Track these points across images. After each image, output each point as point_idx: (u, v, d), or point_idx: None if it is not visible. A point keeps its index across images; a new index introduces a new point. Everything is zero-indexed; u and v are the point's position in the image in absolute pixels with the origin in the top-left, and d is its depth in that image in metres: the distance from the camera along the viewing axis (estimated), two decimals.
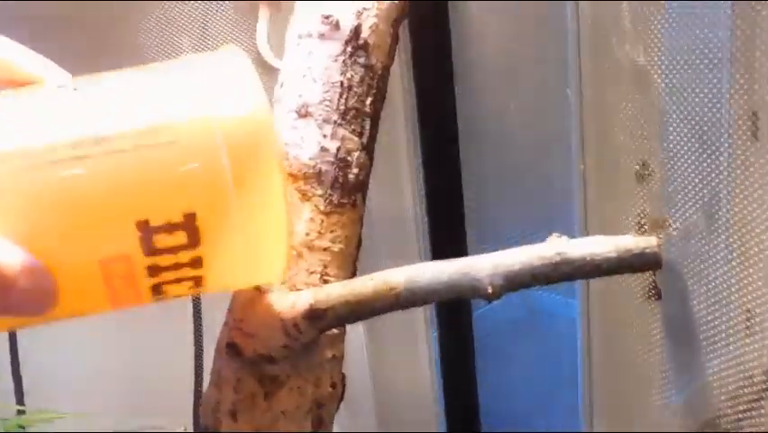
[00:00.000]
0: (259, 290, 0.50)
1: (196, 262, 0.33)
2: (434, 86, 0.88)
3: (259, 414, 0.48)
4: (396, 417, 1.16)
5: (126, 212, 0.31)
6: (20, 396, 0.69)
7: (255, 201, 0.33)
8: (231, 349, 0.49)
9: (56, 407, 0.65)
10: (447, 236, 0.99)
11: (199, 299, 0.76)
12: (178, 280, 0.34)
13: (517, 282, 0.43)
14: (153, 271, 0.32)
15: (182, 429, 0.68)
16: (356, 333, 1.07)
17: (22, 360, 0.70)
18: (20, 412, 0.66)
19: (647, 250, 0.42)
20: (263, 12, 0.67)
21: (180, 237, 0.32)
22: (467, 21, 0.96)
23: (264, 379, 0.49)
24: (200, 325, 0.76)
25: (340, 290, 0.46)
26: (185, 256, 0.33)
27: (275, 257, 0.37)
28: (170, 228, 0.32)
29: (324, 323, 0.46)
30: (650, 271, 0.43)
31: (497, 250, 0.45)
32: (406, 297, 0.45)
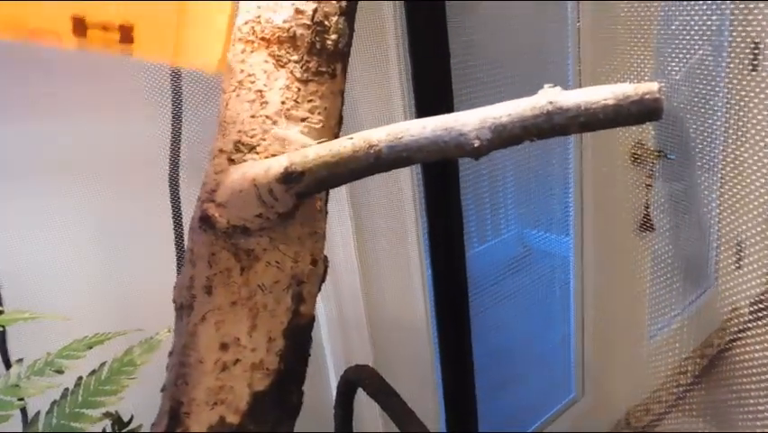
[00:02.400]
0: (232, 161, 0.47)
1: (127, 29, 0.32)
2: None
3: (235, 289, 0.46)
4: (392, 351, 1.15)
5: None
6: None
7: None
8: (204, 222, 0.46)
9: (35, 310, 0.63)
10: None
11: (177, 183, 0.73)
12: (105, 29, 0.32)
13: (506, 136, 0.40)
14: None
15: (167, 331, 0.65)
16: (351, 272, 1.05)
17: None
18: None
19: (647, 96, 0.39)
20: None
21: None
22: None
23: (239, 252, 0.46)
24: (179, 205, 0.73)
25: (317, 151, 0.43)
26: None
27: (212, 39, 0.35)
28: None
29: (301, 186, 0.43)
30: (656, 120, 0.39)
31: None
32: (387, 155, 0.42)
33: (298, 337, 0.47)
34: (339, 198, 1.02)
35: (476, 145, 0.40)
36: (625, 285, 1.67)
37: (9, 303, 0.67)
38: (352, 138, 0.42)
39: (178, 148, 0.73)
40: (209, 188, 0.47)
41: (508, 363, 1.64)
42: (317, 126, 0.49)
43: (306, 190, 0.44)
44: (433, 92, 0.90)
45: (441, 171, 1.05)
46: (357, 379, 0.70)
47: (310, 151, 0.43)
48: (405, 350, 1.21)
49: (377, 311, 1.13)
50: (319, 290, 0.50)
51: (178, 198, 0.73)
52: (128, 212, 0.78)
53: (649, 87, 0.39)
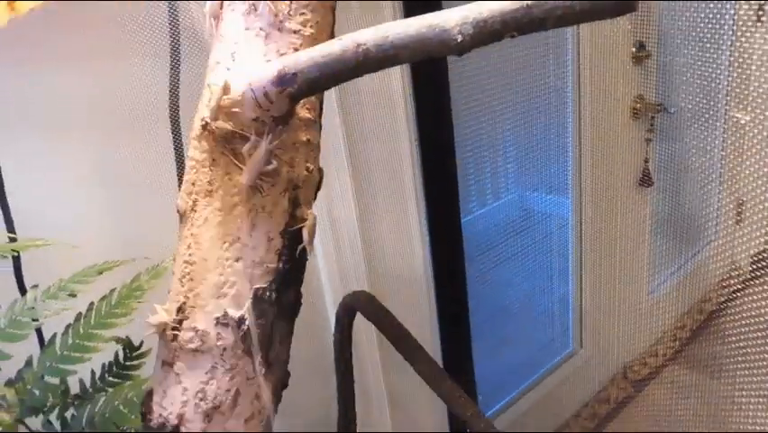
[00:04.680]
0: (228, 71, 0.49)
1: None
2: None
3: (234, 191, 0.48)
4: (389, 293, 1.17)
5: None
6: (9, 224, 0.70)
7: None
8: (204, 129, 0.49)
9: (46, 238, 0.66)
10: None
11: (177, 114, 0.76)
12: None
13: (488, 30, 0.42)
14: None
15: (172, 259, 0.68)
16: (349, 221, 1.07)
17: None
18: (11, 240, 0.67)
19: None
20: None
21: None
22: None
23: (238, 157, 0.48)
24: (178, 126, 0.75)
25: (308, 54, 0.45)
26: None
27: None
28: None
29: (295, 88, 0.45)
30: (631, 12, 0.41)
31: None
32: (374, 53, 0.44)
33: (295, 239, 0.50)
34: (337, 152, 1.04)
35: (459, 41, 0.42)
36: (624, 241, 1.69)
37: (22, 235, 0.70)
38: (341, 39, 0.44)
39: (177, 79, 0.76)
40: (207, 96, 0.49)
41: (508, 320, 1.67)
42: (309, 38, 0.51)
43: (299, 92, 0.46)
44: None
45: (436, 125, 1.07)
46: (355, 303, 0.73)
47: (302, 54, 0.45)
48: (403, 301, 1.23)
49: (376, 260, 1.16)
50: (315, 197, 0.53)
51: (179, 127, 0.75)
52: (132, 149, 0.80)
53: None
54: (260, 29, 0.49)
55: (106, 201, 0.81)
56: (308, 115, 0.51)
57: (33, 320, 0.63)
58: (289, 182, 0.50)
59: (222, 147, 0.48)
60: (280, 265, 0.49)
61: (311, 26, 0.51)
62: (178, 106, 0.75)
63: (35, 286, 0.66)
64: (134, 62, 0.82)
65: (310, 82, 0.45)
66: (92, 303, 0.67)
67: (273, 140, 0.48)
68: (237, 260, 0.48)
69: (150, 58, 0.82)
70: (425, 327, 1.26)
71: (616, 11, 0.42)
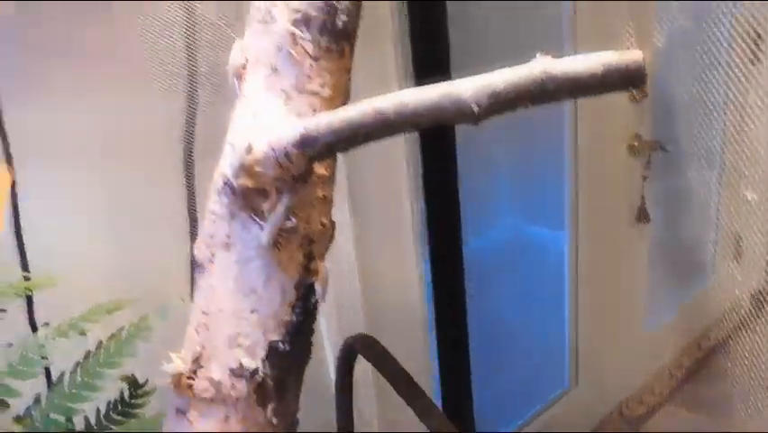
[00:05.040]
0: (249, 128, 0.51)
1: None
2: None
3: (252, 245, 0.50)
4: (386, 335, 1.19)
5: None
6: (24, 261, 0.71)
7: None
8: (224, 184, 0.50)
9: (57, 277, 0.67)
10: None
11: (191, 155, 0.77)
12: None
13: (502, 101, 0.44)
14: None
15: (180, 300, 0.69)
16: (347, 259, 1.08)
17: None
18: (25, 279, 0.68)
19: (631, 65, 0.43)
20: None
21: None
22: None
23: (257, 213, 0.50)
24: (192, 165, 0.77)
25: (329, 118, 0.47)
26: None
27: None
28: None
29: (315, 150, 0.47)
30: (641, 86, 0.43)
31: None
32: (393, 120, 0.46)
33: (308, 292, 0.51)
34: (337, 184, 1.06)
35: (475, 111, 0.44)
36: (620, 276, 1.70)
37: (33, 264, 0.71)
38: (360, 104, 0.46)
39: (193, 123, 0.78)
40: (229, 153, 0.51)
41: (501, 353, 1.67)
42: (327, 99, 0.53)
43: (318, 154, 0.48)
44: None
45: (438, 155, 1.09)
46: (357, 346, 0.74)
47: (323, 118, 0.47)
48: (400, 340, 1.24)
49: (372, 296, 1.17)
50: (327, 250, 0.54)
51: (192, 172, 0.77)
52: (144, 189, 0.82)
53: (633, 56, 0.43)
54: (282, 90, 0.52)
55: (117, 240, 0.83)
56: (325, 172, 0.53)
57: (43, 358, 0.64)
58: (305, 238, 0.51)
59: (242, 202, 0.50)
60: (294, 317, 0.50)
61: (329, 88, 0.53)
62: (192, 150, 0.77)
63: (46, 324, 0.67)
64: (151, 95, 0.84)
65: (330, 146, 0.47)
66: (100, 342, 0.68)
67: (292, 198, 0.49)
68: (252, 312, 0.49)
69: (166, 93, 0.84)
70: (420, 358, 1.26)
71: (626, 85, 0.44)
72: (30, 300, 0.71)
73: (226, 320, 0.49)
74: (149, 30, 0.84)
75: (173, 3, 0.85)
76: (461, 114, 0.45)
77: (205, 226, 0.52)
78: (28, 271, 0.70)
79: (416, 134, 1.13)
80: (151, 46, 0.84)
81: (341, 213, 1.07)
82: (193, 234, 0.79)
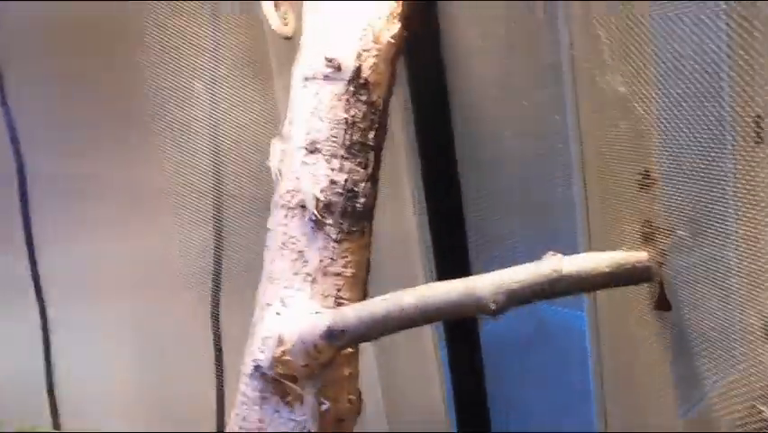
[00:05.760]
0: (278, 315, 0.54)
1: None
2: (431, 114, 0.92)
3: (283, 428, 0.52)
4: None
5: None
6: (55, 417, 0.73)
7: None
8: (256, 370, 0.53)
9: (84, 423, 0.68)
10: (451, 257, 1.02)
11: (218, 317, 0.80)
12: None
13: (518, 298, 0.47)
14: None
15: None
16: (366, 354, 1.09)
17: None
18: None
19: (638, 264, 0.46)
20: None
21: None
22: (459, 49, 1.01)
23: (287, 396, 0.52)
24: (219, 337, 0.79)
25: (355, 312, 0.50)
26: None
27: None
28: None
29: (342, 342, 0.50)
30: (649, 283, 0.47)
31: (501, 266, 0.48)
32: (416, 316, 0.49)
33: None
34: None
35: (493, 308, 0.47)
36: (646, 367, 1.66)
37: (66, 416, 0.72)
38: (385, 300, 0.50)
39: (220, 273, 0.81)
40: (260, 339, 0.53)
41: None
42: (350, 277, 0.56)
43: (345, 345, 0.50)
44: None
45: (449, 230, 1.07)
46: None
47: (349, 311, 0.50)
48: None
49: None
50: (355, 423, 0.56)
51: (219, 321, 0.80)
52: (171, 326, 0.84)
53: (638, 256, 0.47)
54: (308, 274, 0.55)
55: (144, 373, 0.84)
56: (350, 350, 0.55)
57: None
58: (335, 417, 0.53)
59: (273, 387, 0.52)
60: None
61: (352, 267, 0.56)
62: (219, 301, 0.80)
63: None
64: (177, 225, 0.87)
65: (356, 338, 0.50)
66: None
67: (319, 383, 0.52)
68: None
69: (193, 222, 0.87)
70: None
71: (633, 282, 0.47)
72: None
73: None
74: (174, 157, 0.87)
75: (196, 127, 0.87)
76: (480, 310, 0.48)
77: (236, 408, 0.54)
78: (57, 423, 0.72)
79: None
80: (177, 174, 0.87)
81: None
82: (219, 375, 0.81)
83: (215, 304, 0.80)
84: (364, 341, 0.51)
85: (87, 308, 0.83)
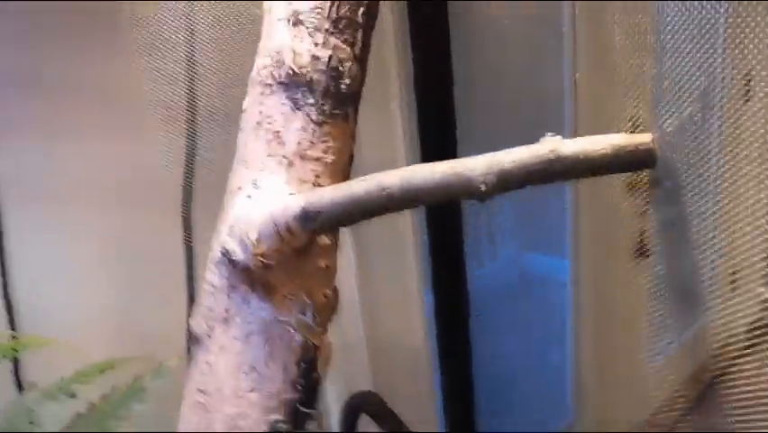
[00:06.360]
0: (249, 198, 0.49)
1: None
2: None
3: (251, 319, 0.48)
4: (391, 379, 1.16)
5: None
6: (11, 323, 0.69)
7: None
8: (224, 256, 0.49)
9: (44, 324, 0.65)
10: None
11: (189, 212, 0.76)
12: None
13: (511, 180, 0.43)
14: None
15: (178, 359, 0.68)
16: (359, 353, 1.07)
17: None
18: (13, 338, 0.66)
19: (641, 146, 0.42)
20: None
21: None
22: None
23: (257, 285, 0.48)
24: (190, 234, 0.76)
25: (332, 192, 0.46)
26: None
27: None
28: None
29: (317, 224, 0.46)
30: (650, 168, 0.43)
31: None
32: (398, 197, 0.44)
33: (310, 366, 0.50)
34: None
35: (483, 189, 0.43)
36: (622, 311, 1.69)
37: (25, 327, 0.69)
38: (365, 180, 0.45)
39: (192, 176, 0.76)
40: (229, 223, 0.49)
41: (502, 389, 1.65)
42: (330, 164, 0.52)
43: (320, 229, 0.46)
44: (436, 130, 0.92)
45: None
46: (360, 404, 0.72)
47: (325, 192, 0.46)
48: (404, 380, 1.22)
49: (376, 339, 1.15)
50: (330, 321, 0.53)
51: (190, 226, 0.75)
52: (139, 239, 0.80)
53: (643, 138, 0.42)
54: (284, 156, 0.50)
55: (110, 292, 0.81)
56: (328, 242, 0.51)
57: (31, 423, 0.62)
58: (307, 310, 0.50)
59: (241, 275, 0.49)
60: (296, 395, 0.49)
61: (332, 153, 0.52)
62: (190, 208, 0.75)
63: (33, 385, 0.65)
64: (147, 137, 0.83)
65: (332, 220, 0.46)
66: (92, 404, 0.66)
67: (293, 271, 0.48)
68: (252, 391, 0.48)
69: (165, 133, 0.83)
70: (425, 402, 1.24)
71: (635, 167, 0.43)
72: (16, 361, 0.69)
73: (225, 400, 0.47)
74: (149, 67, 0.83)
75: (174, 33, 0.83)
76: (468, 193, 0.43)
77: (202, 298, 0.51)
78: (14, 329, 0.68)
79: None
80: (151, 83, 0.82)
81: (344, 255, 1.05)
82: (190, 291, 0.77)
83: (186, 211, 0.76)
84: (342, 225, 0.47)
85: (51, 212, 0.79)
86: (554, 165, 0.43)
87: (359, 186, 0.45)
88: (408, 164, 1.04)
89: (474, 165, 0.44)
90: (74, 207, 0.80)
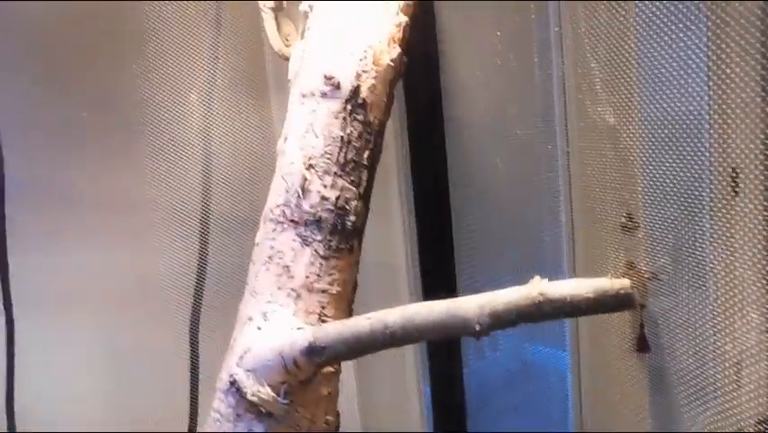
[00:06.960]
0: (259, 329, 0.53)
1: None
2: (426, 139, 0.94)
3: None
4: None
5: None
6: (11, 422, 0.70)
7: None
8: (232, 386, 0.51)
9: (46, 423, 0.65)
10: (438, 282, 1.02)
11: (197, 333, 0.78)
12: None
13: (503, 321, 0.47)
14: None
15: None
16: (346, 368, 1.07)
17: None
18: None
19: (621, 291, 0.46)
20: (267, 13, 0.69)
21: None
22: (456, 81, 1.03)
23: (262, 416, 0.51)
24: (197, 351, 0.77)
25: (338, 329, 0.49)
26: None
27: None
28: None
29: (323, 359, 0.49)
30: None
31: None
32: (400, 336, 0.48)
33: None
34: None
35: (477, 329, 0.46)
36: (624, 402, 1.66)
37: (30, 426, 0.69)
38: (369, 318, 0.49)
39: (202, 290, 0.79)
40: (238, 353, 0.52)
41: None
42: (336, 295, 0.55)
43: (325, 362, 0.49)
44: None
45: (438, 254, 1.06)
46: None
47: (331, 328, 0.49)
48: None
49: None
50: None
51: (197, 337, 0.78)
52: (143, 341, 0.82)
53: (622, 284, 0.46)
54: (292, 289, 0.54)
55: (113, 390, 0.81)
56: (331, 369, 0.54)
57: None
58: None
59: (248, 404, 0.51)
60: None
61: (338, 285, 0.55)
62: (198, 319, 0.78)
63: None
64: (160, 246, 0.85)
65: (337, 355, 0.49)
66: None
67: (297, 401, 0.50)
68: None
69: (179, 240, 0.86)
70: None
71: (617, 309, 0.47)
72: None
73: None
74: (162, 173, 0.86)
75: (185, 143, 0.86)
76: (464, 331, 0.47)
77: (209, 425, 0.53)
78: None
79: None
80: (165, 189, 0.85)
81: None
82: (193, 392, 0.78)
83: (195, 322, 0.78)
84: (345, 359, 0.50)
85: (59, 321, 0.81)
86: (543, 307, 0.46)
87: (364, 323, 0.48)
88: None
89: (468, 306, 0.47)
90: (84, 315, 0.82)
